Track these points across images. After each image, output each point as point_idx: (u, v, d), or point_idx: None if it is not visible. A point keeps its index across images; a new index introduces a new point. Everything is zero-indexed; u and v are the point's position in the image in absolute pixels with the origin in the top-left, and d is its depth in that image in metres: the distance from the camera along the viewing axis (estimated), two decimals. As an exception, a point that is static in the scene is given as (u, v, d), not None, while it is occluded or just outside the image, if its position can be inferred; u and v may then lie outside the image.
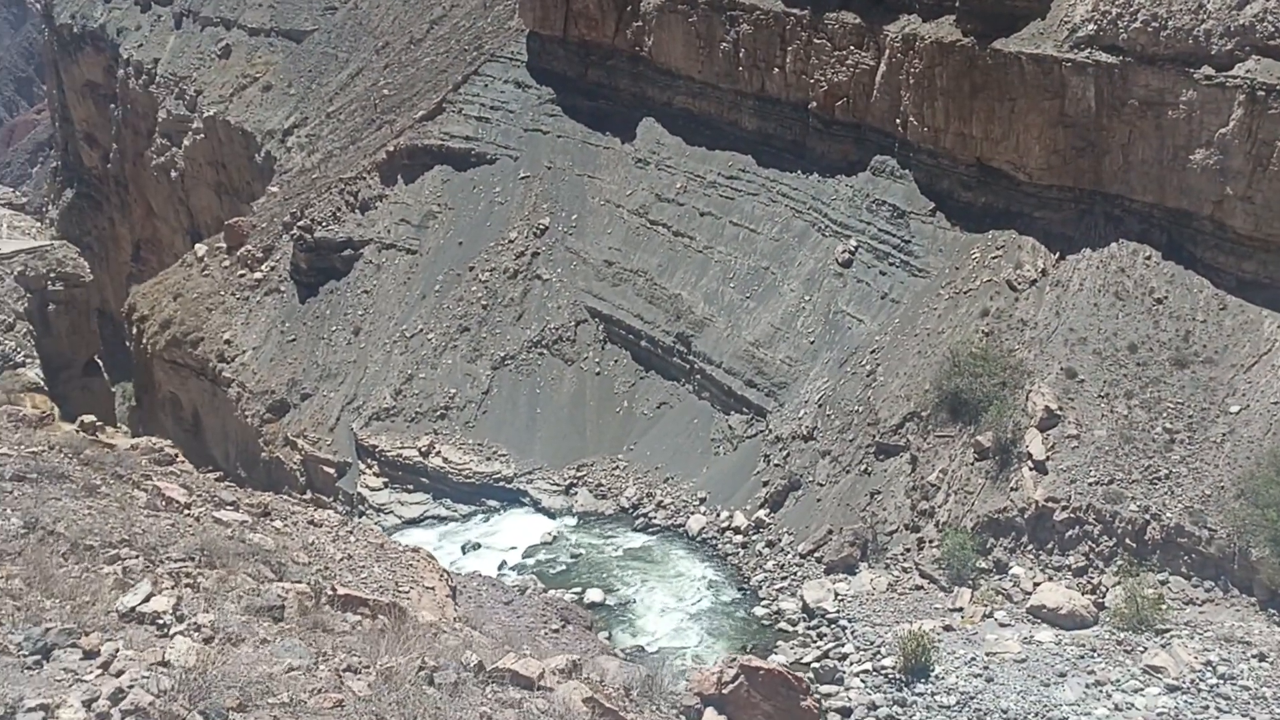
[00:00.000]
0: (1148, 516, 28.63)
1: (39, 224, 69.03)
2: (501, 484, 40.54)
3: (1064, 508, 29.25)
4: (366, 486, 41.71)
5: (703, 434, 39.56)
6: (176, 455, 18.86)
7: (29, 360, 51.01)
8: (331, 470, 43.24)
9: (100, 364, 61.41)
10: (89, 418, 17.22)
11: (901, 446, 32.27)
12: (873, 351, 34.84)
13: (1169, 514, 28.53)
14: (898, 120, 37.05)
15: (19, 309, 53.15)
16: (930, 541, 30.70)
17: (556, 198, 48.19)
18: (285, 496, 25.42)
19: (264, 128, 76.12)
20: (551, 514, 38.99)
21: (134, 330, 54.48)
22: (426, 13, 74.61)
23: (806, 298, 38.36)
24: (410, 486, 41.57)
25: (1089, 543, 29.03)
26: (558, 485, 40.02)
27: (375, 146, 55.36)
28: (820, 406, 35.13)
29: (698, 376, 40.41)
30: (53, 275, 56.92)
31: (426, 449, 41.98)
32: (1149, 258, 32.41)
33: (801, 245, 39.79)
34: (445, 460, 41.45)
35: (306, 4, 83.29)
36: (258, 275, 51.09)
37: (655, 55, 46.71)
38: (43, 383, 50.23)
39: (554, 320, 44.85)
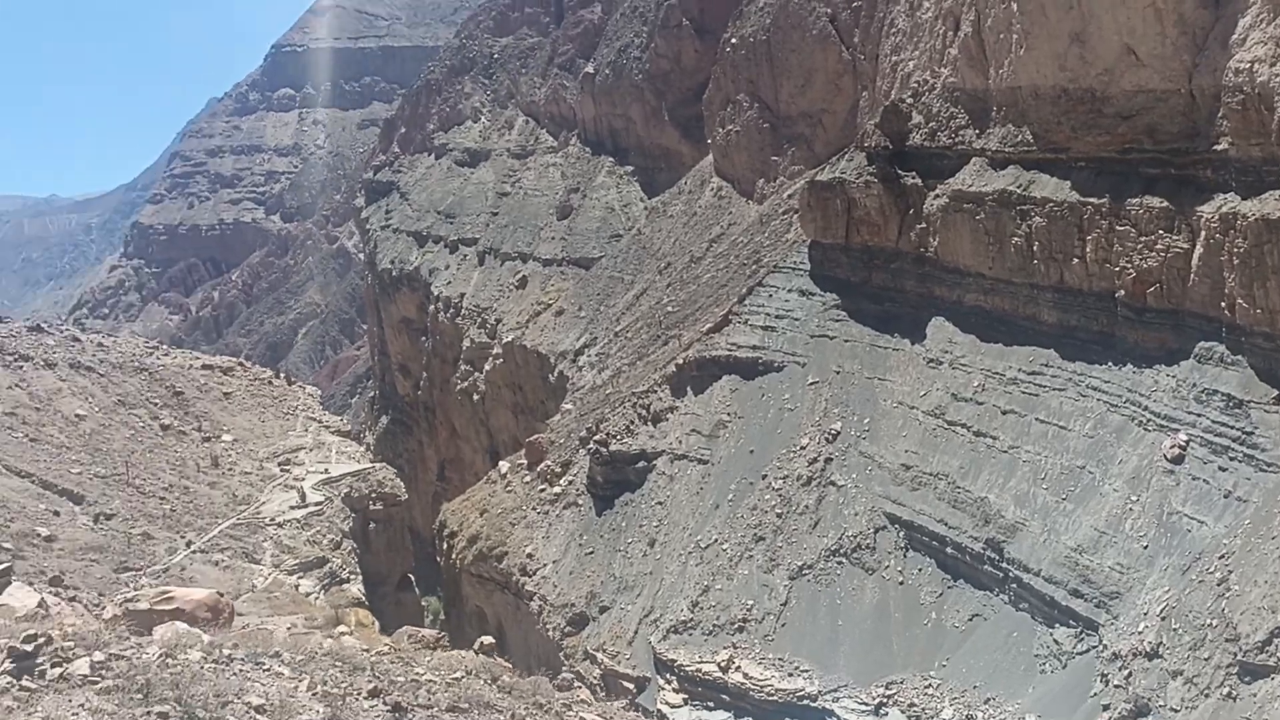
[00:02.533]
0: None
1: (362, 449, 75.05)
2: (806, 702, 38.56)
3: None
4: (666, 703, 40.81)
5: (1024, 649, 36.30)
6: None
7: (353, 576, 54.42)
8: (631, 685, 42.74)
9: (412, 579, 64.83)
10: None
11: (1272, 667, 28.19)
12: (1221, 557, 31.12)
13: None
14: (1223, 303, 34.35)
15: (345, 528, 57.31)
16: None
17: (847, 402, 47.61)
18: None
19: (557, 349, 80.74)
20: (861, 736, 36.58)
21: (444, 545, 57.36)
22: (705, 232, 78.17)
23: (1133, 498, 35.19)
24: (710, 704, 40.33)
25: None
26: (866, 705, 37.61)
27: (664, 360, 57.25)
28: (1163, 620, 31.48)
29: (1013, 585, 37.51)
30: (373, 495, 61.36)
31: (726, 663, 40.84)
32: None
33: (1120, 441, 36.90)
34: (745, 675, 40.07)
35: (594, 234, 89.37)
36: (556, 490, 52.95)
37: (941, 254, 46.24)
38: (364, 597, 53.27)
39: (851, 528, 43.42)
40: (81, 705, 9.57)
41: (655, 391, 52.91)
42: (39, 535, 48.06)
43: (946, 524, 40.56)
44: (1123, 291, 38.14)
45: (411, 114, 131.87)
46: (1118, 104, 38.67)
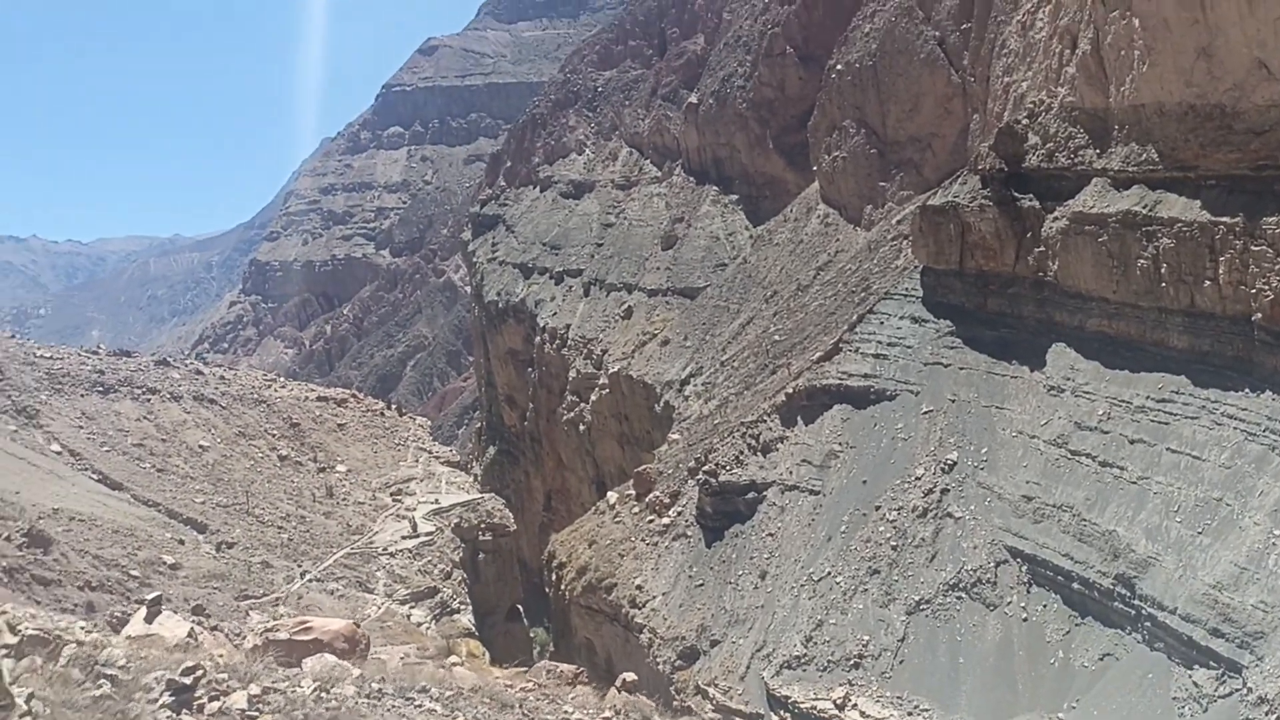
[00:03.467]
0: None
1: (470, 479, 75.96)
2: (926, 743, 37.29)
3: None
4: (780, 740, 39.93)
5: (1160, 692, 34.44)
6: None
7: (463, 606, 54.83)
8: (744, 721, 41.96)
9: (520, 610, 65.07)
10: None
11: None
12: (1378, 595, 29.22)
13: None
14: (1371, 325, 32.45)
15: (455, 558, 57.84)
16: None
17: (963, 431, 46.27)
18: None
19: (662, 379, 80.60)
20: (986, 780, 35.14)
21: (553, 576, 57.43)
22: (812, 260, 77.39)
23: (1276, 532, 33.24)
24: (825, 742, 39.28)
25: None
26: (991, 747, 36.17)
27: (773, 390, 56.56)
28: (1314, 662, 29.61)
29: (1146, 624, 35.70)
30: (483, 526, 61.92)
31: (841, 701, 39.76)
32: None
33: (1261, 472, 34.94)
34: (863, 714, 38.93)
35: (699, 263, 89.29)
36: (665, 521, 52.57)
37: (1062, 279, 44.74)
38: (474, 628, 53.59)
39: (970, 561, 42.00)
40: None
41: (764, 421, 52.24)
42: (164, 563, 49.63)
43: (1073, 558, 38.90)
44: (1260, 315, 36.27)
45: (517, 148, 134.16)
46: (1249, 119, 36.98)
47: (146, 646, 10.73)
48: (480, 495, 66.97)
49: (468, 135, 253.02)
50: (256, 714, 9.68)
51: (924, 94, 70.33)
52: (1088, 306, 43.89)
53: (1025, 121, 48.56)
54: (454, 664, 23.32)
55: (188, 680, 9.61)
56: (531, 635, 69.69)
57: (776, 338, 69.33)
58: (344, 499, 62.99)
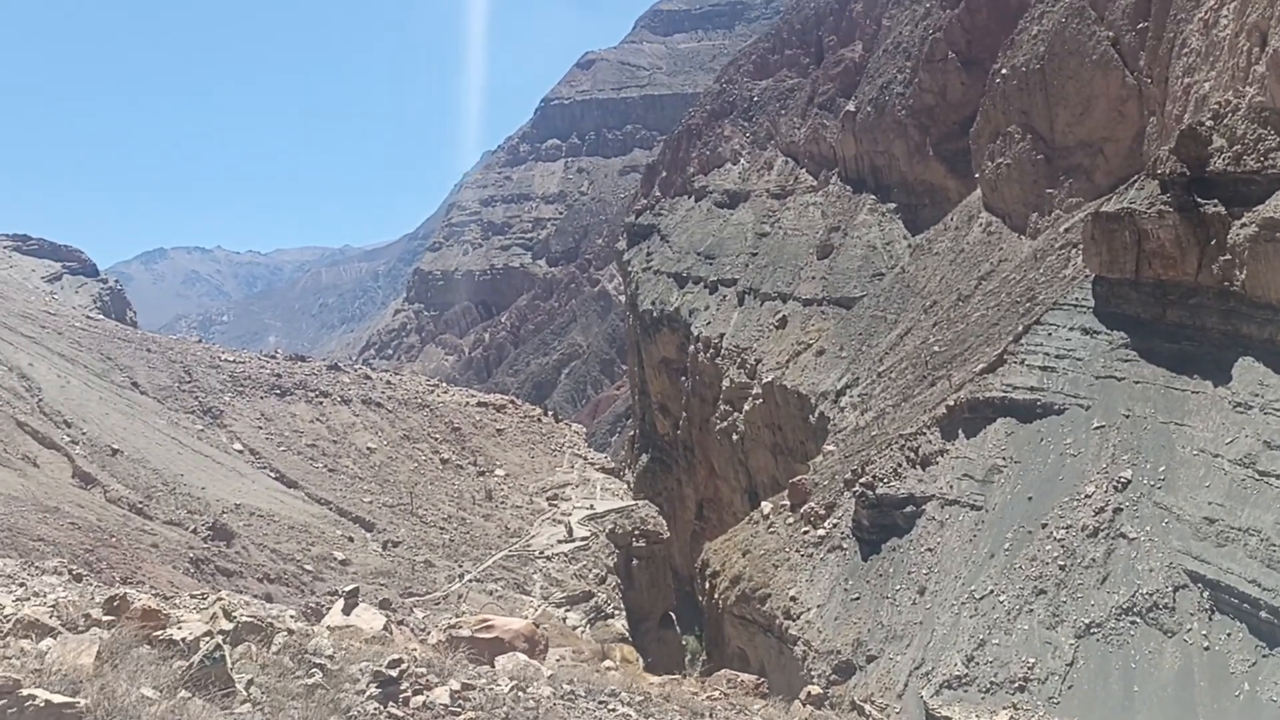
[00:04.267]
0: None
1: (624, 486, 76.71)
2: (1097, 773, 35.64)
3: None
4: (940, 762, 38.79)
5: (1359, 731, 32.10)
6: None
7: (617, 612, 55.35)
8: (901, 740, 40.96)
9: (673, 617, 65.29)
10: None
11: None
12: None
13: None
14: None
15: (609, 563, 58.50)
16: None
17: (1138, 448, 44.09)
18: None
19: (817, 390, 79.69)
20: (1162, 816, 33.34)
21: (706, 585, 57.38)
22: (974, 269, 75.28)
23: None
24: (988, 766, 37.96)
25: None
26: (1168, 781, 34.30)
27: (933, 402, 55.19)
28: None
29: (1346, 659, 33.32)
30: (636, 532, 62.42)
31: (1005, 724, 38.37)
32: None
33: None
34: (1028, 739, 37.47)
35: (856, 273, 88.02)
36: (820, 532, 51.88)
37: (1250, 289, 42.20)
38: (627, 633, 53.98)
39: (1146, 585, 39.93)
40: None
41: (924, 434, 51.00)
42: (335, 559, 51.85)
43: (1260, 585, 36.56)
44: None
45: (672, 158, 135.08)
46: None
47: (347, 638, 11.19)
48: (634, 502, 67.58)
49: (623, 147, 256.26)
50: (459, 710, 9.95)
51: (1096, 97, 67.59)
52: (1279, 319, 41.29)
53: (1209, 123, 46.07)
54: (608, 668, 23.55)
55: (394, 673, 9.96)
56: (684, 643, 69.75)
57: (936, 349, 67.64)
58: (502, 502, 64.58)
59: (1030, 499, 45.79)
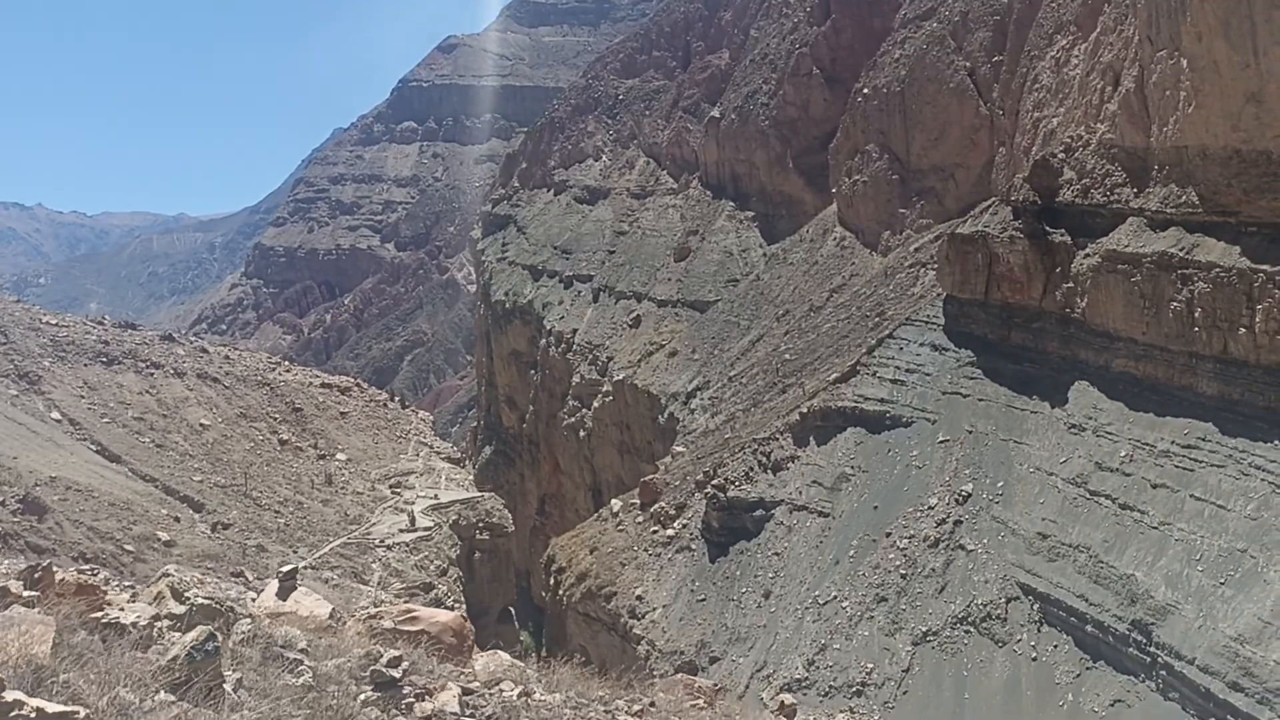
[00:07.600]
0: None
1: (470, 477, 75.20)
2: (927, 778, 36.62)
3: None
4: (777, 764, 39.15)
5: (1173, 741, 33.87)
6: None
7: (456, 605, 54.01)
8: (740, 742, 41.18)
9: (513, 611, 64.28)
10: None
11: None
12: (1407, 657, 28.67)
13: None
14: None
15: (452, 555, 57.07)
16: None
17: (979, 463, 45.71)
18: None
19: (668, 390, 79.96)
20: (986, 819, 34.47)
21: (551, 581, 56.65)
22: (826, 281, 76.91)
23: (1302, 587, 32.71)
24: (824, 769, 38.54)
25: None
26: (994, 785, 35.51)
27: (785, 408, 55.99)
28: (1338, 721, 29.05)
29: (1162, 672, 35.07)
30: (481, 525, 61.15)
31: (842, 728, 39.05)
32: None
33: (1287, 525, 34.43)
34: (863, 743, 38.23)
35: (712, 278, 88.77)
36: (670, 532, 51.88)
37: (1089, 317, 44.26)
38: (468, 627, 52.61)
39: (981, 596, 41.37)
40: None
41: (777, 439, 51.64)
42: (159, 540, 48.79)
43: (1087, 600, 38.29)
44: (1295, 366, 35.82)
45: (533, 150, 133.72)
46: (1297, 168, 36.55)
47: (295, 626, 9.78)
48: (480, 494, 66.26)
49: (481, 135, 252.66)
50: (472, 718, 8.80)
51: (951, 123, 69.97)
52: (1115, 346, 43.39)
53: (1061, 156, 48.16)
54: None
55: (395, 673, 8.63)
56: (520, 639, 68.82)
57: (787, 356, 68.78)
58: (343, 488, 62.28)
59: (876, 508, 46.89)
